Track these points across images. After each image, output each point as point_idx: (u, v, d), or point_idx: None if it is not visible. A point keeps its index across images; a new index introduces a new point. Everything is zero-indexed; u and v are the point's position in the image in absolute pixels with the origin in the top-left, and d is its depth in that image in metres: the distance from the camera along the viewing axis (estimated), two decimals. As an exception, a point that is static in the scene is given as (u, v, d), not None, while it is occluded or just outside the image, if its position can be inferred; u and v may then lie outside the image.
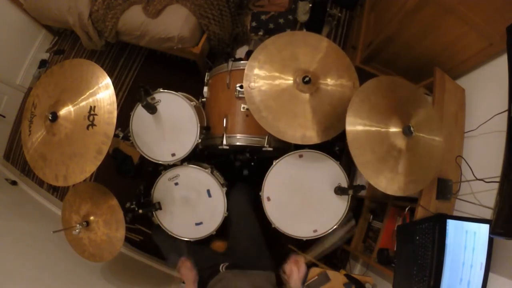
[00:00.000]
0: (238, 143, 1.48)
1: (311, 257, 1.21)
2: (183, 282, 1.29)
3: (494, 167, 1.17)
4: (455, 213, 1.39)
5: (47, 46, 2.61)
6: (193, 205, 1.51)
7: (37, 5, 2.17)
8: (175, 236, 1.50)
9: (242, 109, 1.48)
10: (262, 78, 1.30)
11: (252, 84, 1.29)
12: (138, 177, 2.11)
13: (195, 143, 1.43)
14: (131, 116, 1.45)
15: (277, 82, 1.30)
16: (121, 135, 1.72)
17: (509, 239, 1.04)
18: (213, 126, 1.56)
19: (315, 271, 1.50)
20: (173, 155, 1.44)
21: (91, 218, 1.41)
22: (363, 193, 1.80)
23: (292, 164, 1.44)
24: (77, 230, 1.36)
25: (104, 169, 2.12)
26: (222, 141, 1.47)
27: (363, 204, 1.84)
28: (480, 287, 1.09)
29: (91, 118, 1.18)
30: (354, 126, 1.17)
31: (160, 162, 1.46)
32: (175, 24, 1.92)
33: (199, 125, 1.42)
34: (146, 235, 2.06)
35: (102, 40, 2.15)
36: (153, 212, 1.49)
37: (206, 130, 1.52)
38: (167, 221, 1.51)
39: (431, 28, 1.47)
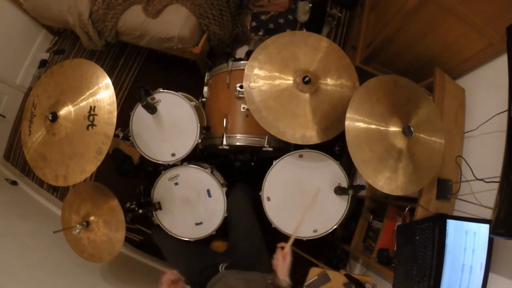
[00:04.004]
0: (238, 143, 1.48)
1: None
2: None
3: (494, 167, 1.17)
4: (455, 213, 1.39)
5: (47, 46, 2.61)
6: (193, 205, 1.51)
7: (37, 5, 2.17)
8: (175, 236, 1.50)
9: (242, 109, 1.48)
10: (262, 78, 1.30)
11: (252, 84, 1.29)
12: (138, 177, 2.12)
13: (195, 143, 1.43)
14: (131, 116, 1.45)
15: (277, 82, 1.30)
16: (121, 135, 1.72)
17: (509, 239, 1.04)
18: (213, 126, 1.56)
19: (315, 271, 1.49)
20: (173, 155, 1.44)
21: (91, 218, 1.41)
22: (363, 193, 1.80)
23: (292, 164, 1.44)
24: (77, 230, 1.35)
25: (104, 169, 2.13)
26: (222, 141, 1.47)
27: (363, 204, 1.84)
28: (480, 287, 1.09)
29: (91, 118, 1.18)
30: (354, 122, 1.17)
31: (160, 162, 1.46)
32: (175, 24, 1.92)
33: (199, 125, 1.42)
34: (146, 235, 2.06)
35: (102, 40, 2.15)
36: (153, 212, 1.49)
37: (206, 130, 1.52)
38: (167, 221, 1.51)
39: (431, 28, 1.47)
